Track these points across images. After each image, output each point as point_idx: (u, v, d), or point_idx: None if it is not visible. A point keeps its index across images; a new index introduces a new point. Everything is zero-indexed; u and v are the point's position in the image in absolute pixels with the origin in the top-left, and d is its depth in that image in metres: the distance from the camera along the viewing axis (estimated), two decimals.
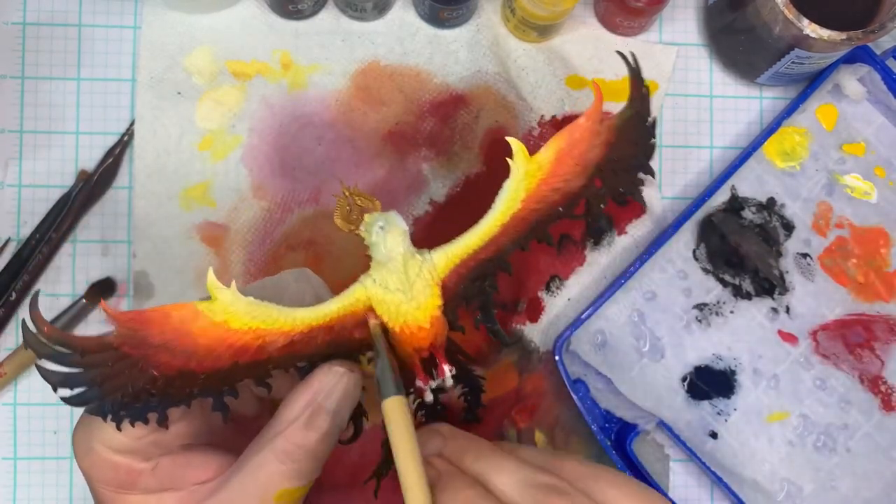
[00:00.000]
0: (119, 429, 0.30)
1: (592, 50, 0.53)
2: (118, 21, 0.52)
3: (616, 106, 0.53)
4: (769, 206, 0.52)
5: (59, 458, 0.50)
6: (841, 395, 0.52)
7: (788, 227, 0.52)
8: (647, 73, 0.53)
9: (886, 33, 0.45)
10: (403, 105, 0.52)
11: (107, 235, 0.51)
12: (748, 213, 0.52)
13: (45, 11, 0.51)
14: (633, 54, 0.36)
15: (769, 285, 0.52)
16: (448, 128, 0.52)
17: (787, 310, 0.52)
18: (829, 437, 0.51)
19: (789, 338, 0.52)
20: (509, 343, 0.38)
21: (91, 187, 0.50)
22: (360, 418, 0.34)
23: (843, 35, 0.45)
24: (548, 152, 0.34)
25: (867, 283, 0.52)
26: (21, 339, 0.49)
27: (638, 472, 0.50)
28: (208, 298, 0.30)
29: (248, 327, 0.31)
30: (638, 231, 0.53)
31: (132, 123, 0.51)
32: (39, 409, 0.50)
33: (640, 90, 0.36)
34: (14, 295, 0.49)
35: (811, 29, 0.45)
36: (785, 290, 0.52)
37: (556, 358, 0.49)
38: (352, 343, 0.34)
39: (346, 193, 0.34)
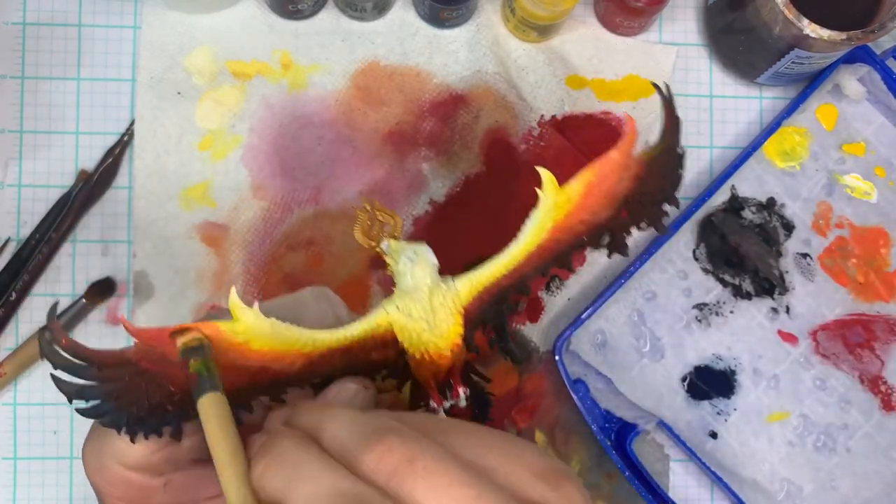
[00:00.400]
0: (133, 441, 0.30)
1: (592, 50, 0.53)
2: (118, 21, 0.52)
3: (616, 106, 0.53)
4: (769, 206, 0.52)
5: (59, 458, 0.50)
6: (841, 395, 0.52)
7: (788, 227, 0.52)
8: (647, 73, 0.54)
9: (886, 33, 0.45)
10: (403, 105, 0.52)
11: (107, 235, 0.51)
12: (748, 213, 0.52)
13: (45, 11, 0.51)
14: (667, 86, 0.36)
15: (769, 285, 0.52)
16: (448, 128, 0.52)
17: (787, 310, 0.52)
18: (829, 437, 0.51)
19: (789, 338, 0.52)
20: (521, 360, 0.37)
21: (91, 187, 0.50)
22: None
23: (843, 35, 0.45)
24: (577, 185, 0.34)
25: (867, 283, 0.52)
26: (20, 340, 0.50)
27: (638, 471, 0.50)
28: (227, 317, 0.30)
29: (268, 348, 0.30)
30: (638, 231, 0.53)
31: (132, 123, 0.51)
32: (39, 409, 0.50)
33: (673, 124, 0.36)
34: (14, 295, 0.49)
35: (811, 29, 0.45)
36: (785, 290, 0.52)
37: (556, 358, 0.49)
38: (369, 364, 0.34)
39: (368, 208, 0.34)
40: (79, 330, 0.50)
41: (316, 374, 0.32)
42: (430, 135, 0.52)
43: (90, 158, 0.51)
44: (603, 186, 0.34)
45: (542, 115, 0.52)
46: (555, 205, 0.34)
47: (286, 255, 0.51)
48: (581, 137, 0.53)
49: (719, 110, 0.55)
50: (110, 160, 0.50)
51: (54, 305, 0.30)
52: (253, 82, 0.51)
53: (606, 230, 0.35)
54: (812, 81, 0.53)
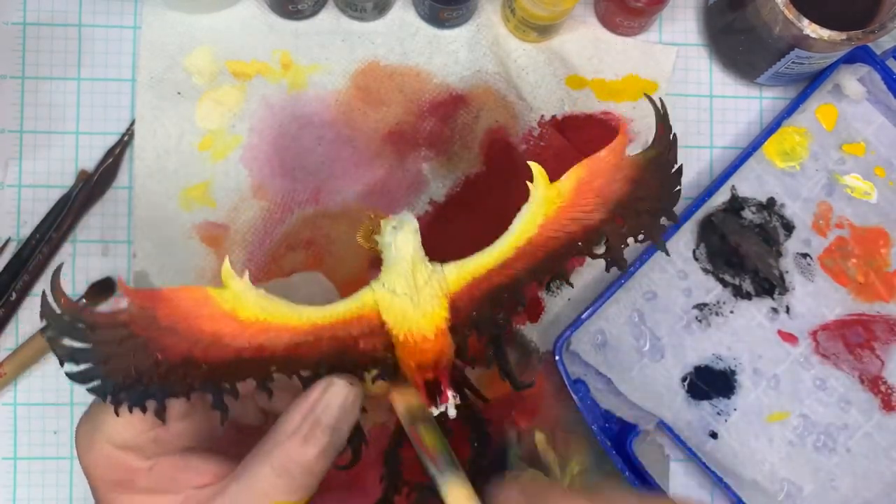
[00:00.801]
0: (117, 413, 0.31)
1: (592, 50, 0.53)
2: (118, 21, 0.52)
3: (617, 106, 0.54)
4: (769, 206, 0.52)
5: (59, 458, 0.50)
6: (841, 395, 0.52)
7: (788, 227, 0.52)
8: (647, 73, 0.54)
9: (886, 33, 0.45)
10: (403, 105, 0.52)
11: (107, 235, 0.51)
12: (748, 213, 0.52)
13: (45, 11, 0.51)
14: (661, 100, 0.36)
15: (769, 285, 0.52)
16: (448, 128, 0.52)
17: (787, 310, 0.52)
18: (829, 437, 0.51)
19: (789, 338, 0.52)
20: (522, 387, 0.37)
21: (91, 187, 0.50)
22: (357, 442, 0.34)
23: (843, 35, 0.45)
24: (568, 181, 0.34)
25: (867, 283, 0.52)
26: (20, 340, 0.50)
27: (638, 472, 0.50)
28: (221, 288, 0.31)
29: (255, 318, 0.31)
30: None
31: (132, 123, 0.51)
32: (39, 409, 0.50)
33: (666, 134, 0.36)
34: (14, 295, 0.49)
35: (811, 29, 0.45)
36: (785, 290, 0.52)
37: (556, 358, 0.49)
38: (357, 354, 0.34)
39: (372, 216, 0.34)
40: None
41: (303, 360, 0.32)
42: (430, 135, 0.52)
43: (90, 158, 0.51)
44: (594, 184, 0.34)
45: (542, 115, 0.52)
46: (545, 199, 0.34)
47: (286, 255, 0.51)
48: (581, 137, 0.53)
49: (719, 110, 0.55)
50: (110, 160, 0.50)
51: (59, 267, 0.31)
52: (253, 82, 0.51)
53: (601, 235, 0.35)
54: (812, 81, 0.53)
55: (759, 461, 0.51)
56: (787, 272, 0.52)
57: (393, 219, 0.33)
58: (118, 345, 0.30)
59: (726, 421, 0.51)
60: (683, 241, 0.52)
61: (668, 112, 0.55)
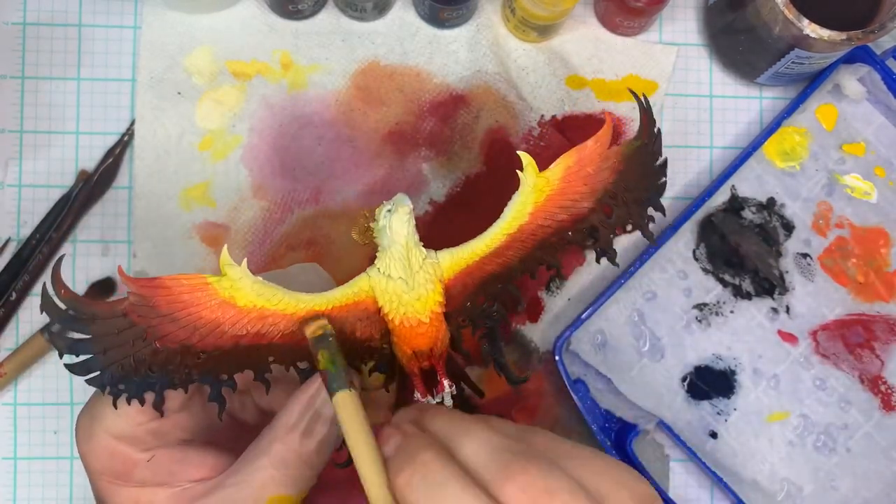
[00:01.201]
0: (115, 405, 0.31)
1: (592, 50, 0.53)
2: (118, 21, 0.52)
3: (616, 106, 0.54)
4: (769, 206, 0.52)
5: (59, 458, 0.50)
6: (841, 395, 0.52)
7: (788, 227, 0.52)
8: (647, 73, 0.54)
9: (886, 33, 0.45)
10: (403, 105, 0.52)
11: (107, 235, 0.51)
12: (748, 213, 0.52)
13: (45, 11, 0.51)
14: (644, 96, 0.37)
15: (769, 285, 0.52)
16: (448, 128, 0.52)
17: (787, 310, 0.52)
18: (829, 437, 0.51)
19: (789, 338, 0.52)
20: (517, 381, 0.38)
21: (91, 187, 0.50)
22: None
23: (843, 35, 0.45)
24: (557, 169, 0.35)
25: (867, 283, 0.52)
26: (20, 340, 0.50)
27: (638, 471, 0.50)
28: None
29: (252, 305, 0.31)
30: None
31: (132, 123, 0.51)
32: (39, 409, 0.50)
33: (650, 126, 0.37)
34: (14, 295, 0.49)
35: (811, 29, 0.45)
36: (785, 290, 0.52)
37: (556, 358, 0.49)
38: (353, 343, 0.34)
39: (367, 214, 0.35)
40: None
41: (300, 347, 0.33)
42: (430, 135, 0.52)
43: (90, 158, 0.51)
44: (582, 173, 0.35)
45: (543, 115, 0.52)
46: (535, 187, 0.34)
47: (286, 255, 0.51)
48: (581, 137, 0.52)
49: (719, 110, 0.55)
50: (110, 160, 0.50)
51: (60, 258, 0.31)
52: (253, 82, 0.51)
53: (590, 224, 0.36)
54: (812, 81, 0.53)
55: (759, 461, 0.51)
56: (787, 272, 0.52)
57: (387, 203, 0.34)
58: (117, 335, 0.30)
59: (726, 421, 0.51)
60: (683, 241, 0.52)
61: (667, 114, 0.55)
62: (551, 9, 0.48)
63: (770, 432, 0.51)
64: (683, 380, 0.51)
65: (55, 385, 0.50)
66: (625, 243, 0.52)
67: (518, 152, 0.35)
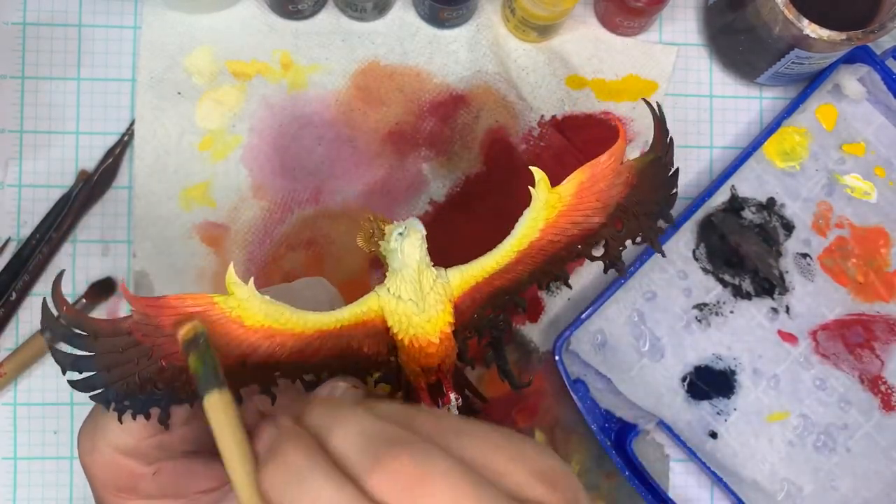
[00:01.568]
0: (120, 420, 0.30)
1: (592, 50, 0.53)
2: (118, 21, 0.52)
3: (617, 106, 0.54)
4: (769, 206, 0.52)
5: (59, 458, 0.50)
6: (841, 395, 0.52)
7: (788, 227, 0.52)
8: (647, 73, 0.54)
9: (886, 33, 0.45)
10: (403, 105, 0.52)
11: (107, 235, 0.51)
12: (748, 213, 0.52)
13: (45, 11, 0.51)
14: (658, 105, 0.37)
15: (769, 285, 0.52)
16: (448, 128, 0.52)
17: (787, 310, 0.52)
18: (829, 437, 0.51)
19: (789, 338, 0.52)
20: (520, 387, 0.38)
21: (91, 187, 0.50)
22: None
23: (843, 35, 0.45)
24: (569, 185, 0.34)
25: (867, 283, 0.52)
26: (20, 340, 0.50)
27: (638, 471, 0.50)
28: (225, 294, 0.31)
29: (260, 325, 0.31)
30: (633, 244, 0.52)
31: (132, 123, 0.51)
32: (39, 409, 0.50)
33: (664, 137, 0.37)
34: (14, 295, 0.49)
35: (811, 29, 0.45)
36: (785, 290, 0.52)
37: (556, 358, 0.49)
38: (360, 358, 0.34)
39: (371, 218, 0.34)
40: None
41: (306, 364, 0.32)
42: (430, 135, 0.52)
43: (90, 158, 0.51)
44: (594, 188, 0.35)
45: (542, 115, 0.52)
46: (547, 203, 0.34)
47: (286, 255, 0.51)
48: (581, 137, 0.53)
49: (719, 110, 0.55)
50: (110, 160, 0.50)
51: (60, 273, 0.31)
52: (253, 82, 0.51)
53: (600, 238, 0.36)
54: (812, 81, 0.53)
55: (759, 461, 0.51)
56: (787, 272, 0.52)
57: (398, 224, 0.33)
58: (121, 353, 0.30)
59: (726, 421, 0.51)
60: (683, 241, 0.52)
61: (667, 113, 0.55)
62: (551, 9, 0.48)
63: (770, 432, 0.51)
64: (683, 380, 0.51)
65: (55, 385, 0.50)
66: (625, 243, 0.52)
67: (531, 168, 0.34)
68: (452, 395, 0.34)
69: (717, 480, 0.50)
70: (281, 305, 0.31)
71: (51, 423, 0.50)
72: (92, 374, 0.30)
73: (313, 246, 0.51)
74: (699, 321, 0.52)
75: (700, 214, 0.51)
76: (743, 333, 0.52)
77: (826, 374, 0.52)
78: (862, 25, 0.45)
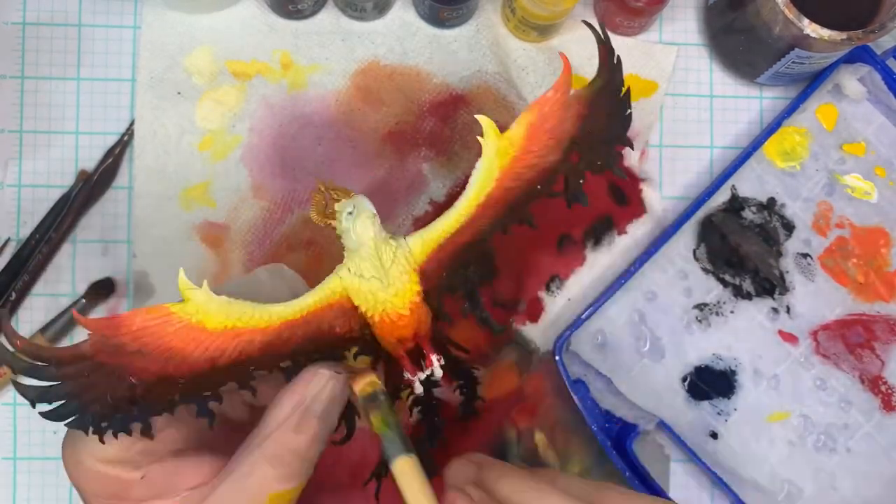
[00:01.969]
0: (102, 441, 0.30)
1: (592, 50, 0.53)
2: (118, 21, 0.52)
3: None
4: (769, 206, 0.52)
5: (58, 458, 0.49)
6: (841, 395, 0.52)
7: (788, 227, 0.52)
8: (647, 73, 0.54)
9: (886, 33, 0.45)
10: (403, 105, 0.52)
11: (107, 235, 0.51)
12: (748, 213, 0.52)
13: (45, 11, 0.51)
14: (601, 25, 0.36)
15: (769, 285, 0.52)
16: (448, 128, 0.52)
17: (788, 310, 0.52)
18: (830, 437, 0.51)
19: (789, 338, 0.52)
20: (498, 330, 0.37)
21: (91, 187, 0.50)
22: (352, 417, 0.34)
23: (843, 35, 0.45)
24: (518, 128, 0.33)
25: (867, 283, 0.52)
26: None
27: (638, 472, 0.50)
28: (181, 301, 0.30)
29: (223, 326, 0.30)
30: (638, 231, 0.53)
31: (132, 123, 0.51)
32: None
33: (609, 59, 0.35)
34: (14, 295, 0.49)
35: (811, 29, 0.45)
36: (785, 290, 0.52)
37: (556, 358, 0.49)
38: (333, 338, 0.33)
39: (322, 189, 0.34)
40: (79, 330, 0.50)
41: (280, 355, 0.32)
42: (430, 135, 0.52)
43: (90, 158, 0.51)
44: (545, 126, 0.34)
45: None
46: (498, 150, 0.33)
47: (286, 255, 0.51)
48: None
49: (719, 110, 0.55)
50: (110, 160, 0.50)
51: (5, 310, 0.30)
52: (253, 82, 0.51)
53: (558, 175, 0.34)
54: (812, 81, 0.53)
55: (760, 461, 0.51)
56: (787, 272, 0.52)
57: (347, 204, 0.33)
58: (88, 376, 0.29)
59: (726, 421, 0.51)
60: (683, 241, 0.52)
61: (667, 114, 0.55)
62: (551, 9, 0.48)
63: (770, 432, 0.51)
64: (684, 380, 0.51)
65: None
66: (625, 243, 0.52)
67: (476, 116, 0.33)
68: (434, 357, 0.34)
69: (718, 481, 0.50)
70: (241, 303, 0.31)
71: (51, 424, 0.49)
72: (62, 402, 0.29)
73: (313, 246, 0.51)
74: (699, 321, 0.52)
75: (700, 214, 0.51)
76: (743, 333, 0.52)
77: (826, 375, 0.52)
78: (862, 25, 0.45)
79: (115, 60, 0.52)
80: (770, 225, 0.52)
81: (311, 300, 0.32)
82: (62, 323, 0.49)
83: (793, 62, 0.49)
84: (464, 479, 0.31)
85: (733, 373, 0.51)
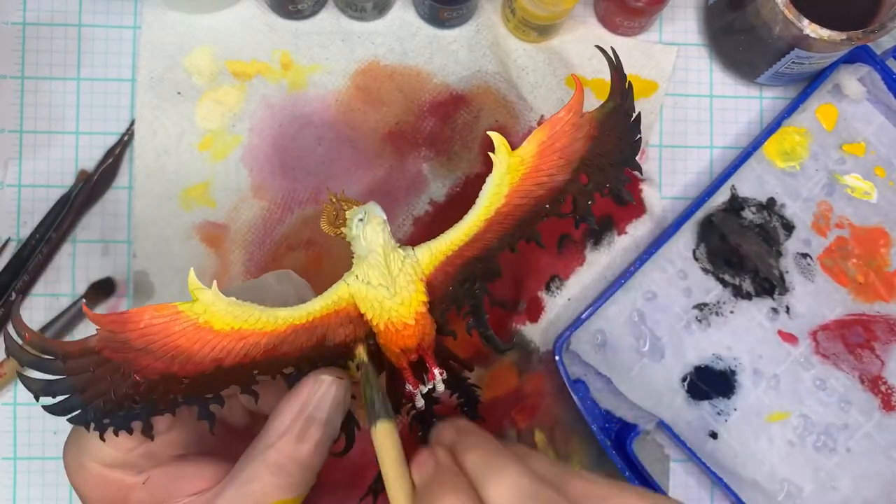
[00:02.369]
0: (103, 438, 0.30)
1: (593, 50, 0.53)
2: (118, 21, 0.52)
3: None
4: (769, 206, 0.52)
5: (58, 458, 0.49)
6: (841, 395, 0.52)
7: (788, 227, 0.52)
8: (647, 74, 0.54)
9: (886, 33, 0.45)
10: (403, 105, 0.52)
11: (107, 235, 0.51)
12: (748, 213, 0.52)
13: (45, 11, 0.51)
14: (612, 49, 0.36)
15: (769, 285, 0.52)
16: (448, 128, 0.52)
17: (787, 310, 0.52)
18: (829, 437, 0.51)
19: (789, 338, 0.52)
20: (503, 349, 0.37)
21: (91, 187, 0.50)
22: (351, 428, 0.34)
23: (843, 35, 0.45)
24: (530, 146, 0.34)
25: (867, 283, 0.52)
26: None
27: (638, 472, 0.50)
28: (190, 300, 0.30)
29: (230, 328, 0.30)
30: (638, 231, 0.53)
31: (132, 123, 0.51)
32: (39, 409, 0.50)
33: (621, 83, 0.36)
34: (14, 295, 0.49)
35: (811, 29, 0.45)
36: (785, 290, 0.52)
37: (556, 358, 0.49)
38: (338, 346, 0.33)
39: (333, 200, 0.34)
40: (79, 330, 0.50)
41: (284, 360, 0.32)
42: (430, 135, 0.52)
43: (90, 158, 0.51)
44: (556, 146, 0.34)
45: (543, 115, 0.52)
46: (509, 167, 0.34)
47: (286, 255, 0.51)
48: None
49: (719, 110, 0.55)
50: (110, 160, 0.50)
51: (16, 299, 0.30)
52: (253, 82, 0.51)
53: (567, 195, 0.35)
54: (812, 81, 0.53)
55: (759, 461, 0.51)
56: (787, 272, 0.52)
57: (358, 210, 0.33)
58: (93, 371, 0.29)
59: (726, 421, 0.51)
60: (683, 241, 0.52)
61: (667, 114, 0.55)
62: (551, 9, 0.48)
63: (770, 432, 0.51)
64: (683, 380, 0.51)
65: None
66: (625, 243, 0.53)
67: (488, 132, 0.34)
68: (436, 371, 0.34)
69: (717, 481, 0.50)
70: (249, 305, 0.31)
71: (51, 423, 0.50)
72: (66, 396, 0.29)
73: (313, 246, 0.51)
74: (699, 321, 0.52)
75: (700, 214, 0.51)
76: (743, 333, 0.52)
77: (826, 375, 0.52)
78: (862, 25, 0.45)
79: (115, 60, 0.52)
80: (770, 225, 0.52)
81: (318, 305, 0.32)
82: (62, 323, 0.49)
83: (793, 62, 0.49)
84: (443, 440, 0.31)
85: (733, 373, 0.51)
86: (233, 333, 0.30)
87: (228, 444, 0.34)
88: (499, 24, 0.53)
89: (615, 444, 0.50)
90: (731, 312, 0.52)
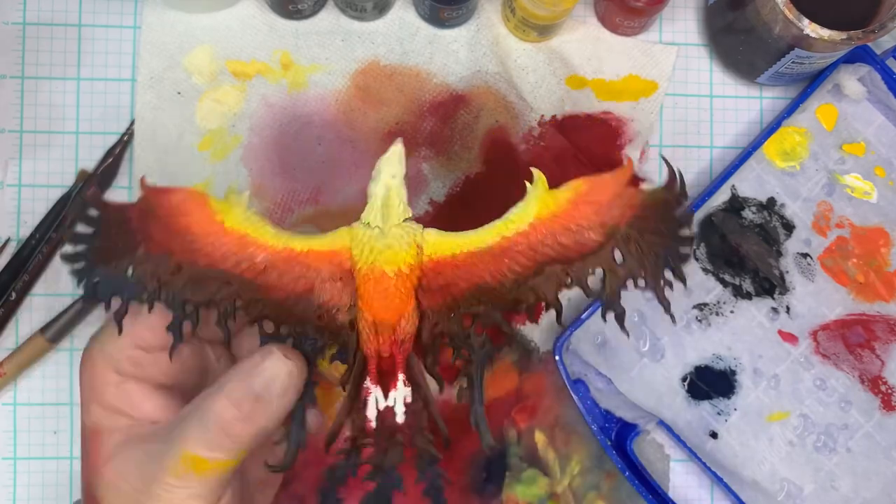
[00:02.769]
0: (88, 300, 0.32)
1: (592, 50, 0.53)
2: (118, 21, 0.52)
3: (617, 106, 0.53)
4: (769, 206, 0.52)
5: (58, 458, 0.50)
6: (841, 395, 0.52)
7: (788, 227, 0.52)
8: (647, 73, 0.54)
9: (886, 33, 0.45)
10: (403, 105, 0.52)
11: None
12: (748, 213, 0.52)
13: (45, 11, 0.51)
14: (679, 171, 0.34)
15: (769, 285, 0.52)
16: (448, 128, 0.52)
17: (788, 310, 0.52)
18: (829, 437, 0.51)
19: (789, 338, 0.52)
20: (490, 445, 0.34)
21: (91, 187, 0.50)
22: (296, 443, 0.33)
23: (843, 35, 0.45)
24: (566, 191, 0.33)
25: (867, 283, 0.52)
26: (20, 340, 0.49)
27: (638, 472, 0.50)
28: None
29: (238, 227, 0.33)
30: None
31: (132, 123, 0.51)
32: (39, 409, 0.50)
33: (680, 185, 0.34)
34: (14, 295, 0.49)
35: (811, 29, 0.45)
36: (785, 290, 0.52)
37: (556, 358, 0.49)
38: (321, 308, 0.33)
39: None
40: (79, 330, 0.50)
41: (269, 295, 0.33)
42: (430, 135, 0.52)
43: (90, 158, 0.51)
44: (593, 201, 0.33)
45: (543, 115, 0.52)
46: (540, 199, 0.33)
47: None
48: (581, 137, 0.53)
49: (719, 110, 0.55)
50: (110, 160, 0.50)
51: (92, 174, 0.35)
52: (253, 82, 0.51)
53: (597, 263, 0.33)
54: (812, 81, 0.53)
55: (759, 461, 0.51)
56: (787, 272, 0.52)
57: (381, 160, 0.36)
58: (113, 231, 0.32)
59: (726, 421, 0.51)
60: None
61: (667, 114, 0.55)
62: (551, 9, 0.48)
63: (770, 432, 0.51)
64: (683, 380, 0.51)
65: (55, 385, 0.50)
66: None
67: (532, 169, 0.33)
68: (401, 377, 0.33)
69: (718, 480, 0.50)
70: (262, 219, 0.33)
71: (51, 423, 0.50)
72: (83, 247, 0.32)
73: None
74: (699, 321, 0.52)
75: (700, 214, 0.51)
76: (743, 333, 0.52)
77: (826, 375, 0.52)
78: (862, 25, 0.45)
79: (115, 60, 0.52)
80: (770, 225, 0.52)
81: (317, 241, 0.34)
82: (62, 323, 0.49)
83: (793, 62, 0.49)
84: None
85: (733, 373, 0.51)
86: (237, 236, 0.32)
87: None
88: (499, 23, 0.53)
89: (615, 444, 0.50)
90: (732, 312, 0.52)
